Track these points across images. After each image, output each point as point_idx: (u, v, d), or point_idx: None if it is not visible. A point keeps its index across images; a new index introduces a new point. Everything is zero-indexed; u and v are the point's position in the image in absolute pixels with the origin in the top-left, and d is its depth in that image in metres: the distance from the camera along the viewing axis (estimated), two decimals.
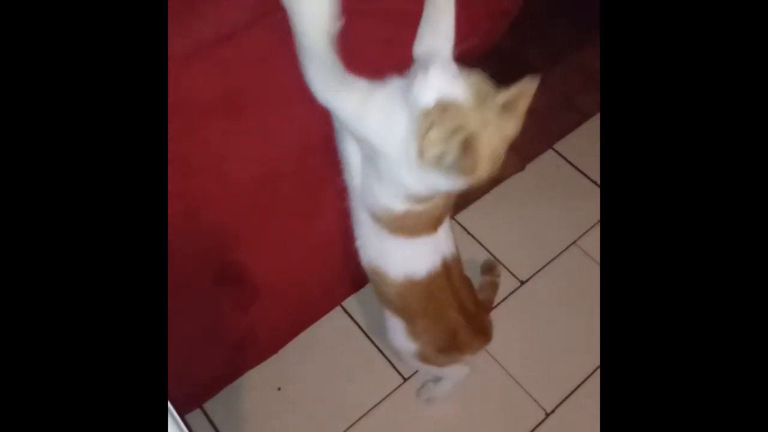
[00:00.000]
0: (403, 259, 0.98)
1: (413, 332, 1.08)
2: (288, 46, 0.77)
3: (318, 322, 1.41)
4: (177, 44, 0.66)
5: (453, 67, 0.77)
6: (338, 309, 1.44)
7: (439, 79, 0.74)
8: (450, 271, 1.02)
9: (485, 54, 1.02)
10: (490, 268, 1.40)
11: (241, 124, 0.81)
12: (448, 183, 0.79)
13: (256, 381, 1.34)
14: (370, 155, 0.84)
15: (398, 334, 1.11)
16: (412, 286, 0.99)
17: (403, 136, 0.76)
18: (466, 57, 0.90)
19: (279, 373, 1.36)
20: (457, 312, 1.06)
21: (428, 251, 0.98)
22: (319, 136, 0.92)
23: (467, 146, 0.73)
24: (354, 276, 1.41)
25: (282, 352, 1.37)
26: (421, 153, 0.75)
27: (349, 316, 1.44)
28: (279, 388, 1.35)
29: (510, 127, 0.77)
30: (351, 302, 1.45)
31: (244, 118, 0.80)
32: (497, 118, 0.75)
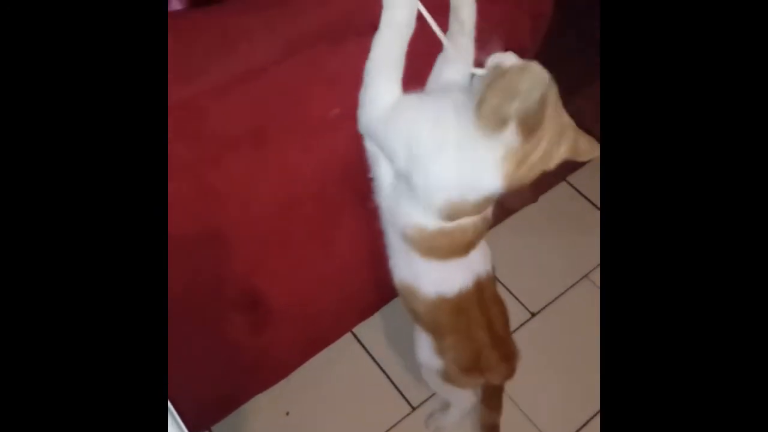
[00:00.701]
0: (435, 279, 0.98)
1: (440, 348, 1.08)
2: (313, 82, 0.79)
3: (328, 348, 1.41)
4: (211, 77, 0.68)
5: None
6: (348, 335, 1.44)
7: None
8: (482, 290, 1.01)
9: None
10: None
11: (265, 155, 0.83)
12: (482, 172, 0.79)
13: (265, 405, 1.34)
14: (404, 171, 0.83)
15: (425, 349, 1.11)
16: (442, 302, 0.99)
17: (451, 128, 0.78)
18: None
19: (288, 397, 1.36)
20: (485, 331, 1.05)
21: (460, 271, 0.98)
22: (337, 169, 0.94)
23: (543, 102, 0.73)
24: (366, 303, 1.41)
25: (291, 376, 1.37)
26: (484, 102, 0.74)
27: (360, 342, 1.44)
28: (287, 413, 1.35)
29: (557, 151, 0.79)
30: (361, 329, 1.45)
31: (268, 149, 0.82)
32: (562, 125, 0.78)
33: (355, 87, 0.79)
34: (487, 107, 0.75)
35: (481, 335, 1.05)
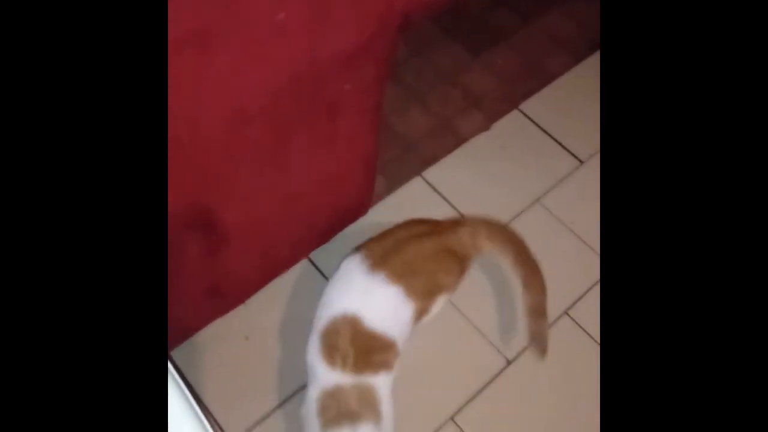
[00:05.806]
0: None
1: None
2: None
3: (285, 274, 1.43)
4: None
5: None
6: (305, 261, 1.46)
7: None
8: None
9: (450, 11, 1.03)
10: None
11: (211, 60, 0.81)
12: None
13: (224, 330, 1.36)
14: None
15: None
16: None
17: None
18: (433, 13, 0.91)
19: (246, 322, 1.38)
20: None
21: None
22: (286, 83, 0.92)
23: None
24: (322, 228, 1.43)
25: (249, 302, 1.39)
26: None
27: (316, 267, 1.46)
28: (247, 338, 1.37)
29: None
30: (318, 254, 1.47)
31: (213, 54, 0.80)
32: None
33: None
34: None
35: None
